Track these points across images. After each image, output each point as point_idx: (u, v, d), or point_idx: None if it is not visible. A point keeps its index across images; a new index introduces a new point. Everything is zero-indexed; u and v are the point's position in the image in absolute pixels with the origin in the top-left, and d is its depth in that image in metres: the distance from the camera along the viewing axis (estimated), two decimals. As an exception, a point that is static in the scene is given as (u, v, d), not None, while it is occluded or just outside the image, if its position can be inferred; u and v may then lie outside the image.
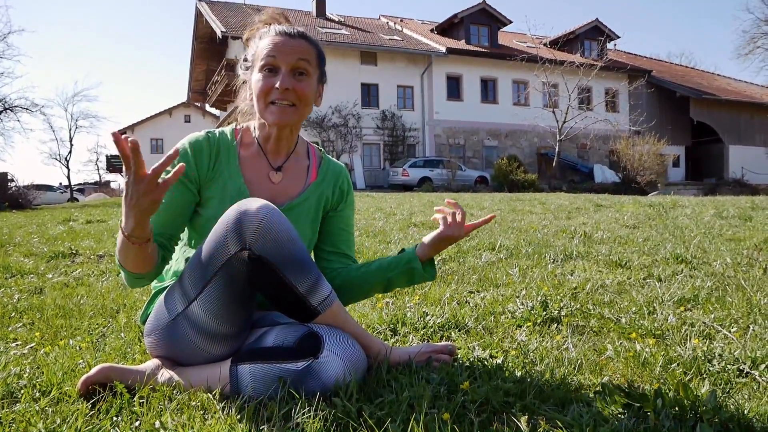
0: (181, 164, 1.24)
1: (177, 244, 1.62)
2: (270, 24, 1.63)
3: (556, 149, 24.41)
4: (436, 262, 1.73)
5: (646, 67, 32.04)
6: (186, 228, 1.63)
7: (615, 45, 33.86)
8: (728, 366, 1.60)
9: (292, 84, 1.52)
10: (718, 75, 38.62)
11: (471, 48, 28.03)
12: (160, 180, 1.25)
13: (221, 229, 1.38)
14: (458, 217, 1.65)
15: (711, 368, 1.60)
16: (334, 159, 1.83)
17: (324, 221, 1.77)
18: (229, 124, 1.76)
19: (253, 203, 1.39)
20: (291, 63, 1.53)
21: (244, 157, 1.63)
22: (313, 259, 1.75)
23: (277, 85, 1.51)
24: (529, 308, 2.27)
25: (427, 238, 1.67)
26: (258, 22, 1.66)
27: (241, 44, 1.68)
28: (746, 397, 1.42)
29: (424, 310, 2.29)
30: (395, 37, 28.11)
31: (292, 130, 1.66)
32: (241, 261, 1.37)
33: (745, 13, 46.45)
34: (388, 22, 31.73)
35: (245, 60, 1.64)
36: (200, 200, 1.59)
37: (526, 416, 1.25)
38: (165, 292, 1.53)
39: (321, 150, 1.82)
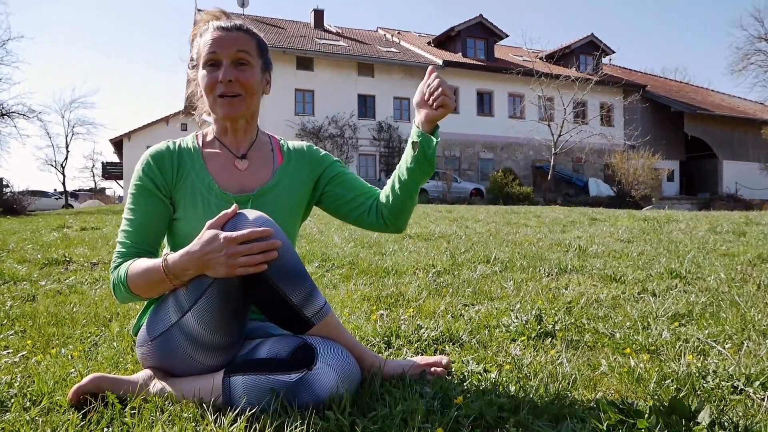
0: (267, 260, 1.34)
1: (161, 250, 1.63)
2: (209, 21, 1.66)
3: (551, 162, 24.51)
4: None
5: (641, 81, 32.27)
6: (169, 238, 1.64)
7: (610, 60, 34.15)
8: (722, 383, 1.60)
9: (235, 75, 1.56)
10: (712, 90, 38.95)
11: (467, 61, 28.18)
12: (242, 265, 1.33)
13: None
14: (434, 93, 1.58)
15: (705, 385, 1.59)
16: (296, 141, 1.84)
17: (326, 193, 1.76)
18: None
19: (248, 214, 1.39)
20: (231, 55, 1.57)
21: (208, 154, 1.66)
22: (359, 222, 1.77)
23: (220, 79, 1.55)
24: (524, 322, 2.27)
25: (420, 121, 1.62)
26: (199, 21, 1.70)
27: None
28: (740, 414, 1.42)
29: (418, 322, 2.28)
30: (392, 50, 28.25)
31: (247, 121, 1.68)
32: None
33: (739, 29, 46.78)
34: (385, 35, 31.90)
35: (191, 59, 1.67)
36: (174, 206, 1.60)
37: None
38: (158, 303, 1.52)
39: (281, 138, 1.84)
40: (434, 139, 1.62)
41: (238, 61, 1.58)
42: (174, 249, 1.60)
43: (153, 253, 1.57)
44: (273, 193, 1.66)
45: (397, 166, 1.68)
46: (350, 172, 1.83)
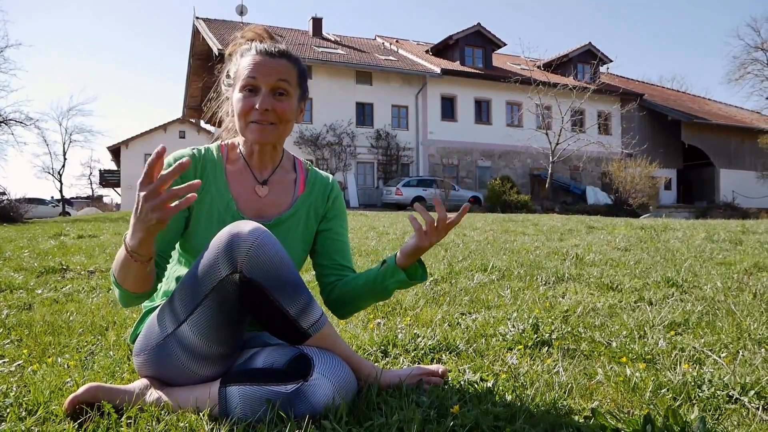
0: (192, 195, 1.22)
1: (169, 262, 1.62)
2: (252, 41, 1.63)
3: (549, 171, 24.56)
4: (424, 265, 1.66)
5: (638, 90, 32.40)
6: (179, 248, 1.63)
7: (608, 68, 34.27)
8: (718, 392, 1.60)
9: (272, 104, 1.53)
10: (709, 99, 39.12)
11: (465, 69, 28.28)
12: (173, 204, 1.23)
13: (212, 252, 1.38)
14: (434, 225, 1.52)
15: (701, 394, 1.60)
16: (322, 171, 1.82)
17: (315, 235, 1.76)
18: (215, 140, 1.76)
19: (244, 226, 1.38)
20: (271, 83, 1.53)
21: (231, 171, 1.64)
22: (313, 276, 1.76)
23: (257, 106, 1.52)
24: (521, 331, 2.27)
25: (405, 248, 1.57)
26: (240, 38, 1.66)
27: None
28: (735, 423, 1.42)
29: (415, 331, 2.28)
30: (390, 58, 28.34)
31: (275, 146, 1.66)
32: (232, 284, 1.36)
33: (736, 39, 47.21)
34: (383, 43, 32.01)
35: (227, 76, 1.65)
36: (189, 217, 1.58)
37: (516, 441, 1.24)
38: (155, 312, 1.52)
39: (308, 164, 1.81)
40: (418, 280, 1.63)
41: (277, 90, 1.54)
42: (182, 257, 1.62)
43: (163, 258, 1.56)
44: (288, 223, 1.65)
45: (373, 275, 1.63)
46: (345, 234, 1.80)
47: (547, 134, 24.27)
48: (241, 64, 1.58)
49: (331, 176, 1.81)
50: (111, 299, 3.15)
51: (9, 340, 2.26)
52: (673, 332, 2.30)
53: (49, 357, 1.99)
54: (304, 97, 1.67)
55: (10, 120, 25.26)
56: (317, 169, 1.81)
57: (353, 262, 1.82)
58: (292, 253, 1.50)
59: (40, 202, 32.95)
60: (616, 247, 5.80)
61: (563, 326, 2.38)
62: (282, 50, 1.59)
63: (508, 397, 1.55)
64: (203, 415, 1.36)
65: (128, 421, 1.35)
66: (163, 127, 37.40)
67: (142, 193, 1.24)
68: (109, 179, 42.87)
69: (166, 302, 1.48)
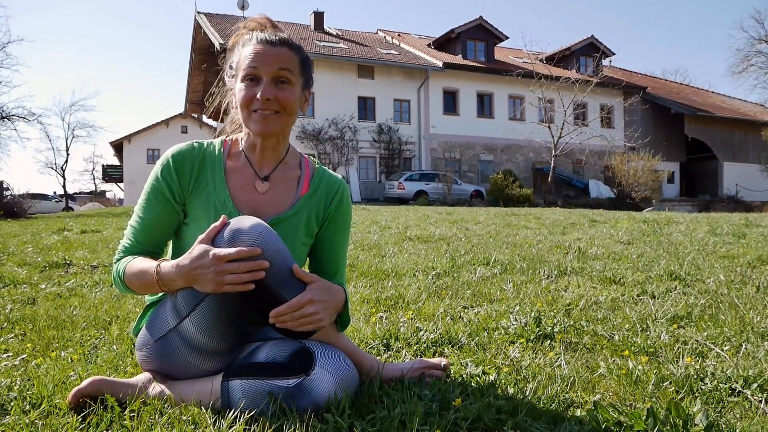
0: (260, 273, 1.33)
1: (165, 253, 1.62)
2: (254, 31, 1.60)
3: (552, 164, 24.49)
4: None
5: (641, 83, 32.28)
6: (174, 240, 1.62)
7: (610, 61, 34.17)
8: (720, 385, 1.60)
9: (274, 93, 1.50)
10: (713, 92, 38.94)
11: (467, 63, 28.19)
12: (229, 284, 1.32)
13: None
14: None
15: (703, 387, 1.60)
16: (332, 172, 1.76)
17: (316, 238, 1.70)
18: (219, 135, 1.74)
19: (246, 221, 1.38)
20: (272, 72, 1.50)
21: (231, 168, 1.60)
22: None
23: (258, 96, 1.49)
24: (523, 324, 2.27)
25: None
26: (243, 28, 1.63)
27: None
28: (738, 416, 1.42)
29: (417, 325, 2.29)
30: (392, 52, 28.27)
31: (279, 139, 1.61)
32: None
33: (739, 31, 46.97)
34: (385, 37, 31.92)
35: (230, 68, 1.61)
36: (186, 212, 1.57)
37: (518, 434, 1.24)
38: (158, 306, 1.53)
39: (317, 162, 1.76)
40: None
41: (279, 79, 1.51)
42: (176, 251, 1.60)
43: (157, 253, 1.57)
44: (287, 224, 1.59)
45: None
46: (338, 245, 1.71)
47: (549, 128, 24.19)
48: (242, 54, 1.55)
49: (339, 178, 1.74)
50: (114, 294, 3.15)
51: (13, 335, 2.27)
52: (675, 325, 2.30)
53: (52, 351, 2.00)
54: (308, 86, 1.63)
55: (13, 116, 25.29)
56: (327, 169, 1.74)
57: (343, 276, 1.73)
58: (292, 252, 1.49)
59: (43, 197, 33.04)
60: (619, 241, 5.80)
61: (565, 320, 2.38)
62: (283, 38, 1.56)
63: (511, 391, 1.55)
64: (207, 409, 1.36)
65: (131, 414, 1.36)
66: (165, 122, 37.40)
67: (216, 268, 1.31)
68: (111, 174, 42.93)
69: (168, 297, 1.48)
